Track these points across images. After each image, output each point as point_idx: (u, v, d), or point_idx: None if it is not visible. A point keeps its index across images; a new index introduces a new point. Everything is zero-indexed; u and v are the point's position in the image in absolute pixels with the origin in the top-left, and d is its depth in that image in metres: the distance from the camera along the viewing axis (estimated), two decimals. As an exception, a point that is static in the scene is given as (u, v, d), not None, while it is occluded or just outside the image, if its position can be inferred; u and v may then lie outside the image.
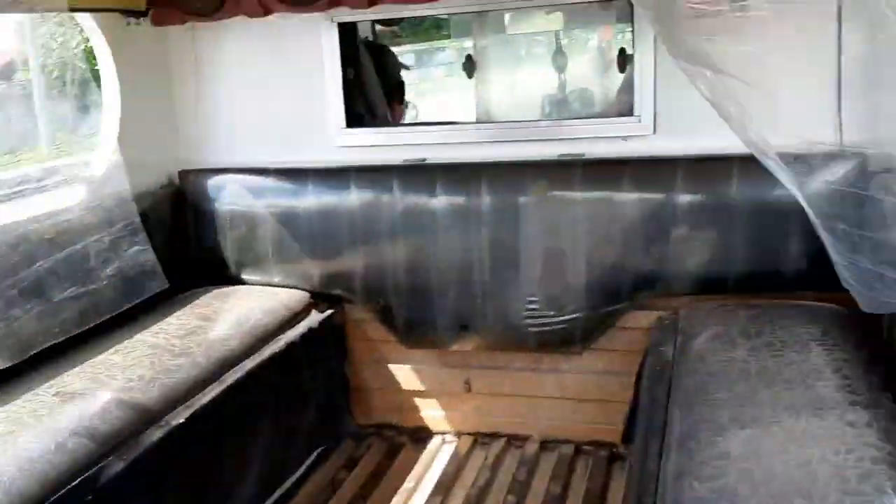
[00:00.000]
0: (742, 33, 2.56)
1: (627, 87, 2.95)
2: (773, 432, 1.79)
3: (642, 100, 2.78)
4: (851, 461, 1.64)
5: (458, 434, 3.19)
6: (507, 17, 4.59)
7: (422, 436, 3.21)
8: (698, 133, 2.57)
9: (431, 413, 3.23)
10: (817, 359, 2.11)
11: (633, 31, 2.88)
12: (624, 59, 3.30)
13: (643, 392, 2.49)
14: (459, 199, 2.92)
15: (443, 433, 3.22)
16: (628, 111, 2.84)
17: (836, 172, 2.45)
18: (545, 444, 3.06)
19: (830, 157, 2.47)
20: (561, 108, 4.62)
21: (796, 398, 1.92)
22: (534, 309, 2.89)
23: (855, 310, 2.04)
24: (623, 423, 2.86)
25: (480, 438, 3.16)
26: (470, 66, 4.15)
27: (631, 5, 2.74)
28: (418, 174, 3.01)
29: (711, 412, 1.94)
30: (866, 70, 2.39)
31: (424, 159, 3.03)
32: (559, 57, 4.66)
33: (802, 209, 2.11)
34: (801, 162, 2.49)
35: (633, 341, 2.82)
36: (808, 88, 2.49)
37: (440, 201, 2.93)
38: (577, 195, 2.80)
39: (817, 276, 2.29)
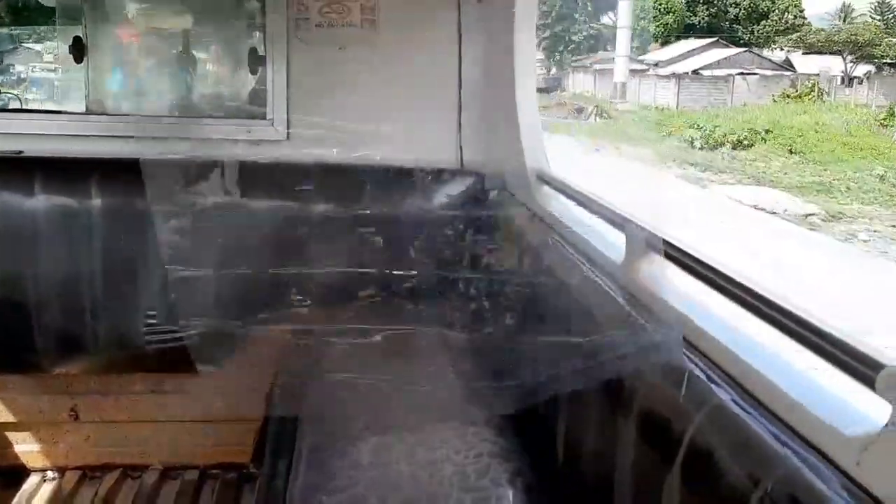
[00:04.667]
0: (373, 46, 2.66)
1: (260, 90, 2.85)
2: (403, 437, 1.84)
3: (274, 104, 2.70)
4: (471, 458, 1.75)
5: (63, 470, 2.79)
6: (132, 9, 4.21)
7: (15, 475, 2.76)
8: (331, 141, 2.58)
9: (28, 448, 2.78)
10: (442, 362, 2.22)
11: (265, 34, 2.80)
12: (256, 60, 3.20)
13: (274, 407, 2.41)
14: (64, 200, 2.55)
15: (42, 470, 2.79)
16: (261, 115, 2.74)
17: (458, 188, 2.68)
18: (167, 472, 2.81)
19: (451, 175, 2.69)
20: (189, 106, 4.35)
21: (424, 402, 2.00)
22: (154, 324, 2.63)
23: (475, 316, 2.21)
24: (253, 443, 2.74)
25: (90, 472, 2.80)
26: (79, 48, 3.65)
27: (263, 10, 2.67)
28: (11, 169, 2.57)
29: (343, 423, 1.93)
30: (484, 93, 2.63)
31: (20, 152, 2.60)
32: (186, 56, 4.39)
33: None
34: (426, 178, 2.66)
35: (265, 356, 2.72)
36: (432, 109, 2.66)
37: (40, 201, 2.52)
38: (207, 200, 2.61)
39: None
